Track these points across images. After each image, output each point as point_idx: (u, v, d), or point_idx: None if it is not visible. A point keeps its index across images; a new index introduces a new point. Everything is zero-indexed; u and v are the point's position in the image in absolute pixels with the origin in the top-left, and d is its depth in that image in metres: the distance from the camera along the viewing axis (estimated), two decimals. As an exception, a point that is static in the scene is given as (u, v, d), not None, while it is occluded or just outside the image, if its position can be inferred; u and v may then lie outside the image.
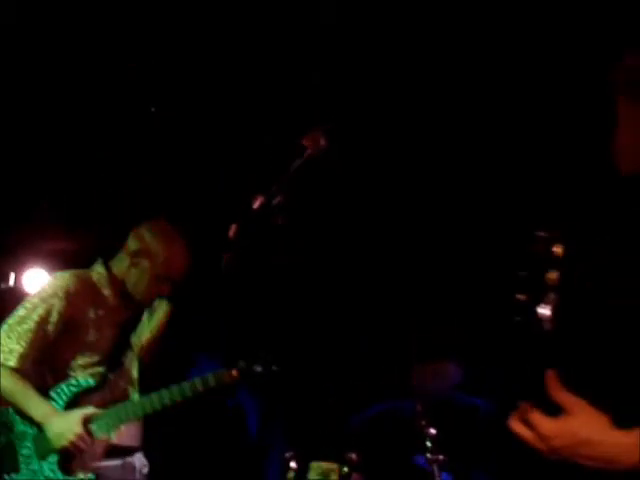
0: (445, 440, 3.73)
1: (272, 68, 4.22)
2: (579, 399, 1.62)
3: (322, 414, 4.13)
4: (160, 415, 3.52)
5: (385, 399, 4.03)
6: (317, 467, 3.75)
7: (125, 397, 3.70)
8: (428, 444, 3.75)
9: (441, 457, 3.72)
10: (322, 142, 2.47)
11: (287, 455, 3.72)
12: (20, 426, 3.46)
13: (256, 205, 2.37)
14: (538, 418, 1.63)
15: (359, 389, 4.29)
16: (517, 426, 1.68)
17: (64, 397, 3.51)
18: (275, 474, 3.80)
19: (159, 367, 3.94)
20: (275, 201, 2.37)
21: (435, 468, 3.73)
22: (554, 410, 1.64)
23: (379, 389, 4.16)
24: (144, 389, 3.73)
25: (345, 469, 3.74)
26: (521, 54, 3.80)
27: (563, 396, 1.63)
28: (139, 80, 4.40)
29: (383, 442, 4.07)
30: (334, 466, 3.76)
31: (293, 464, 3.72)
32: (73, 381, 3.52)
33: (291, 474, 3.69)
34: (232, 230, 2.35)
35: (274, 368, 3.46)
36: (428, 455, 3.73)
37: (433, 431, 3.76)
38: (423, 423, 3.76)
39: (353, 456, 3.79)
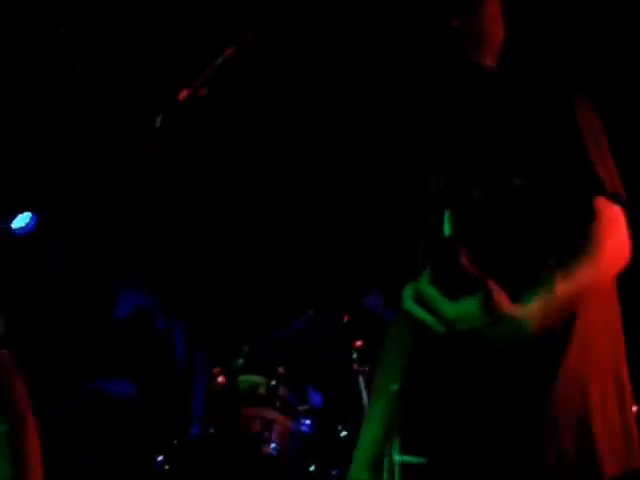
0: (371, 352, 3.78)
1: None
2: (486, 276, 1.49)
3: (247, 329, 4.14)
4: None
5: (307, 313, 4.06)
6: (245, 380, 3.77)
7: None
8: (354, 356, 3.80)
9: (367, 368, 3.78)
10: (250, 40, 2.45)
11: (215, 370, 3.72)
12: None
13: (181, 96, 2.34)
14: (440, 302, 1.47)
15: (286, 305, 4.31)
16: (413, 307, 1.51)
17: None
18: (200, 394, 3.79)
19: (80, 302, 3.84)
20: (199, 93, 2.34)
21: (361, 379, 3.78)
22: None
23: (303, 304, 4.18)
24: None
25: (272, 382, 3.77)
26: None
27: (475, 271, 1.49)
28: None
29: (309, 356, 4.10)
30: (262, 379, 3.78)
31: (221, 379, 3.72)
32: None
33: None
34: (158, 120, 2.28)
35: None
36: (355, 366, 3.78)
37: (359, 343, 3.81)
38: (350, 336, 3.81)
39: (280, 370, 3.82)
